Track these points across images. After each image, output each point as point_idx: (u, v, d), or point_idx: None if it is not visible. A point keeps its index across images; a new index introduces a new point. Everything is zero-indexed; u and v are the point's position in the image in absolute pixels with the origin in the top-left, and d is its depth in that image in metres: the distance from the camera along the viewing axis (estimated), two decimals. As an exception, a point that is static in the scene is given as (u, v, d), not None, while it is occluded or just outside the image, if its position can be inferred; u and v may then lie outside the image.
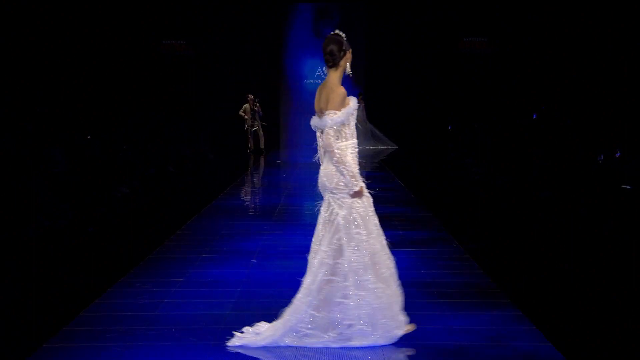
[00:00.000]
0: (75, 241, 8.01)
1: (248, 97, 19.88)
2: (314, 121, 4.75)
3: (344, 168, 4.56)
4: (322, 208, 4.77)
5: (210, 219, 9.48)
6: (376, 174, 15.22)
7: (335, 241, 4.64)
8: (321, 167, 4.77)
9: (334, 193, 4.65)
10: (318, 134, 4.77)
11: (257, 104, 19.90)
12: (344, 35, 4.66)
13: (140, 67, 21.65)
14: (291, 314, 4.68)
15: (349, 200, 4.63)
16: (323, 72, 23.95)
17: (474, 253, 7.24)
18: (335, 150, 4.56)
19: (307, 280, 4.69)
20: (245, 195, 12.77)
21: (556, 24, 19.94)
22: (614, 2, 17.24)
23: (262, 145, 20.21)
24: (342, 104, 4.57)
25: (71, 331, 4.97)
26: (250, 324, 4.91)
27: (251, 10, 23.17)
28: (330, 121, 4.55)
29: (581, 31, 18.65)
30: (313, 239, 4.80)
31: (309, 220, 9.75)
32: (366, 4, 23.60)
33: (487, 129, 16.78)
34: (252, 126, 20.03)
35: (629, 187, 9.31)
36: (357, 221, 4.64)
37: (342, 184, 4.61)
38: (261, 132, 20.18)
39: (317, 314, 4.65)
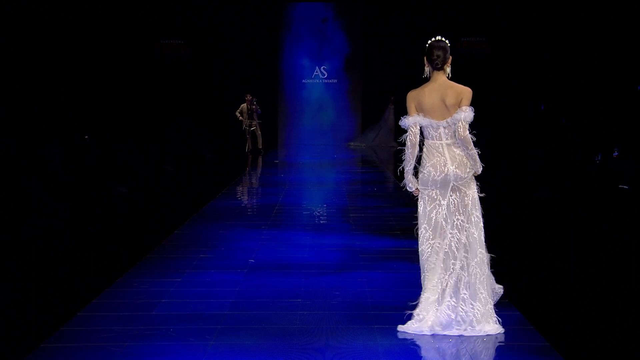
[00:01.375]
0: (74, 241, 8.01)
1: (246, 97, 19.87)
2: (423, 120, 5.17)
3: (475, 153, 4.94)
4: (452, 197, 4.98)
5: (208, 218, 9.48)
6: (374, 174, 15.20)
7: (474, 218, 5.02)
8: (439, 162, 4.97)
9: (464, 180, 4.97)
10: (412, 132, 5.16)
11: (255, 104, 19.89)
12: (447, 41, 5.09)
13: (138, 66, 21.64)
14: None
15: (471, 181, 5.02)
16: (321, 71, 23.96)
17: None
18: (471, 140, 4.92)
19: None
20: (243, 195, 12.77)
21: (555, 23, 19.95)
22: (613, 2, 17.25)
23: (260, 145, 20.21)
24: None
25: (69, 331, 4.97)
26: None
27: (249, 10, 23.16)
28: (469, 116, 4.95)
29: (580, 31, 18.66)
30: (449, 225, 4.97)
31: (307, 220, 9.77)
32: (365, 4, 23.58)
33: (485, 128, 16.78)
34: (250, 126, 20.02)
35: (626, 186, 9.34)
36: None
37: (469, 169, 4.97)
38: (259, 132, 20.17)
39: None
